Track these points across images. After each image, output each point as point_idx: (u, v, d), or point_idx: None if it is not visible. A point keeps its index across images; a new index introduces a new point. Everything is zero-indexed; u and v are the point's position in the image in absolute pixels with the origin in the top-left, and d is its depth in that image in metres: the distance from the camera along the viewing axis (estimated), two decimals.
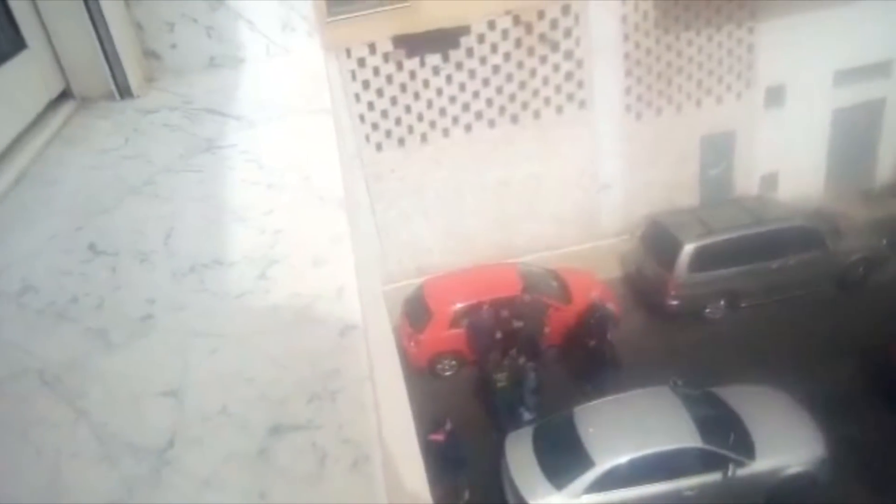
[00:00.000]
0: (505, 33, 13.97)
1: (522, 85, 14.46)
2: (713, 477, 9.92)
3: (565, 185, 15.35)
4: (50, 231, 1.97)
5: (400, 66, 13.95)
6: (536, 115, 14.73)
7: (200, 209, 1.93)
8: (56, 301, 1.64)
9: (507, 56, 14.17)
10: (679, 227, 13.79)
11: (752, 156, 15.91)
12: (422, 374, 12.70)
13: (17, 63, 2.56)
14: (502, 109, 14.60)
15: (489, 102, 14.51)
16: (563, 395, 11.81)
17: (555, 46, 14.21)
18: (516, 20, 13.88)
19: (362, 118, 14.15)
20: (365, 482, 1.07)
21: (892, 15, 14.78)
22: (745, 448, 10.09)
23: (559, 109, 14.78)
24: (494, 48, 14.07)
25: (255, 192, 2.00)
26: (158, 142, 2.43)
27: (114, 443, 1.22)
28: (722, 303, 13.57)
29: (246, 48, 3.08)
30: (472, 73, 14.22)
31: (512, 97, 14.53)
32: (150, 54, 3.07)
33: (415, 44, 13.75)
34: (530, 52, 14.21)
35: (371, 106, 14.13)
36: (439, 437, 10.23)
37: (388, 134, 14.41)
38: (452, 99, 14.37)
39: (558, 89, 14.62)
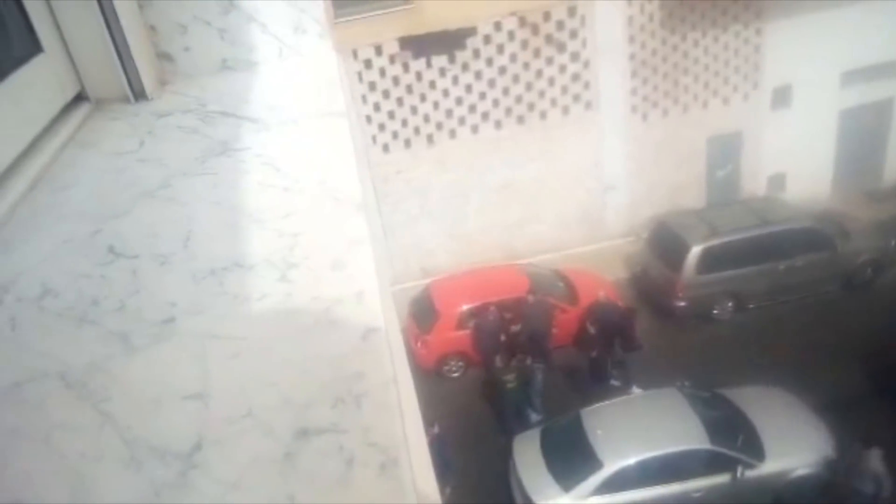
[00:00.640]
0: (511, 34, 13.96)
1: (528, 86, 14.45)
2: (721, 478, 9.88)
3: (571, 186, 15.32)
4: (67, 234, 1.97)
5: (406, 68, 13.96)
6: (543, 115, 14.72)
7: (218, 212, 1.94)
8: (76, 304, 1.65)
9: (513, 57, 14.15)
10: (686, 229, 13.76)
11: (759, 157, 15.85)
12: (429, 376, 12.70)
13: (33, 67, 2.57)
14: (508, 110, 14.59)
15: (495, 103, 14.49)
16: (571, 396, 11.79)
17: (561, 47, 14.19)
18: (522, 21, 13.87)
19: (369, 119, 14.15)
20: (394, 485, 1.07)
21: None
22: (754, 449, 10.05)
23: (565, 110, 14.76)
24: (500, 49, 14.06)
25: (272, 195, 2.00)
26: (173, 145, 2.44)
27: (139, 446, 1.22)
28: (729, 304, 13.52)
29: (258, 51, 3.08)
30: (478, 75, 14.21)
31: (518, 98, 14.51)
32: (163, 57, 3.07)
33: (421, 45, 13.76)
34: (536, 53, 14.19)
35: (377, 107, 14.13)
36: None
37: (395, 135, 14.42)
38: (459, 100, 14.36)
39: (564, 90, 14.59)
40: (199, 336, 1.47)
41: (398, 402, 1.23)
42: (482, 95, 14.39)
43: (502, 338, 12.43)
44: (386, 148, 14.44)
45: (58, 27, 2.80)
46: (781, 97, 15.28)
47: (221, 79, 3.01)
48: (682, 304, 13.20)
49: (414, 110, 14.28)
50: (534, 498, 10.01)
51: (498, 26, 13.84)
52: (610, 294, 13.14)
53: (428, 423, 10.22)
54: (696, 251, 13.14)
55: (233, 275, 1.66)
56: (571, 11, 13.92)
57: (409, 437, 1.24)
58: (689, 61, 14.83)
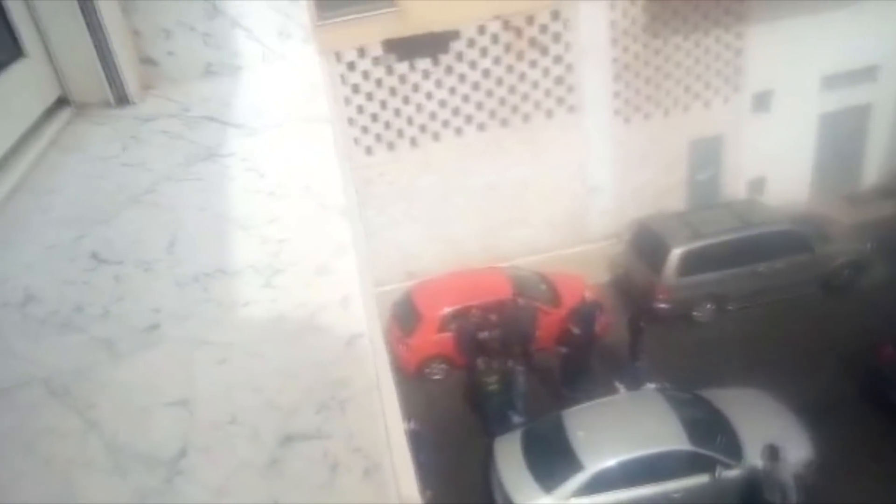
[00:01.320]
0: (495, 38, 14.01)
1: (512, 89, 14.51)
2: (701, 479, 9.98)
3: (554, 188, 15.39)
4: (50, 240, 1.97)
5: (390, 70, 13.96)
6: (526, 118, 14.78)
7: (203, 218, 1.94)
8: (60, 310, 1.65)
9: (497, 60, 14.21)
10: (667, 231, 13.89)
11: (740, 160, 16.02)
12: (411, 378, 12.71)
13: (15, 70, 2.56)
14: (492, 113, 14.64)
15: (479, 106, 14.54)
16: (553, 398, 11.86)
17: (544, 51, 14.27)
18: (506, 24, 13.92)
19: (352, 122, 14.15)
20: (377, 491, 1.09)
21: (879, 20, 14.93)
22: (733, 450, 10.16)
23: (549, 113, 14.83)
24: (484, 52, 14.11)
25: (257, 200, 2.01)
26: (158, 149, 2.44)
27: (124, 453, 1.23)
28: (710, 306, 13.66)
29: (243, 55, 3.08)
30: (462, 77, 14.25)
31: (502, 101, 14.57)
32: (147, 61, 3.07)
33: (404, 48, 13.77)
34: (520, 56, 14.25)
35: (360, 110, 14.13)
36: None
37: (378, 138, 14.42)
38: (442, 103, 14.39)
39: (548, 93, 14.67)
40: (185, 342, 1.48)
41: (381, 407, 1.25)
42: (466, 98, 14.43)
43: (488, 338, 12.46)
44: (369, 150, 14.44)
45: (40, 30, 2.79)
46: (762, 101, 15.46)
47: (205, 83, 3.01)
48: (664, 305, 13.30)
49: (397, 113, 14.30)
50: (515, 499, 10.08)
51: (482, 29, 13.89)
52: (591, 296, 13.24)
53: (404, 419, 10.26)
54: (677, 253, 13.28)
55: (218, 281, 1.67)
56: (555, 15, 14.00)
57: (392, 441, 1.26)
58: (671, 65, 14.96)
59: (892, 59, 15.62)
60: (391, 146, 14.52)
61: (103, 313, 1.62)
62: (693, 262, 13.28)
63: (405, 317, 13.27)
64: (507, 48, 14.15)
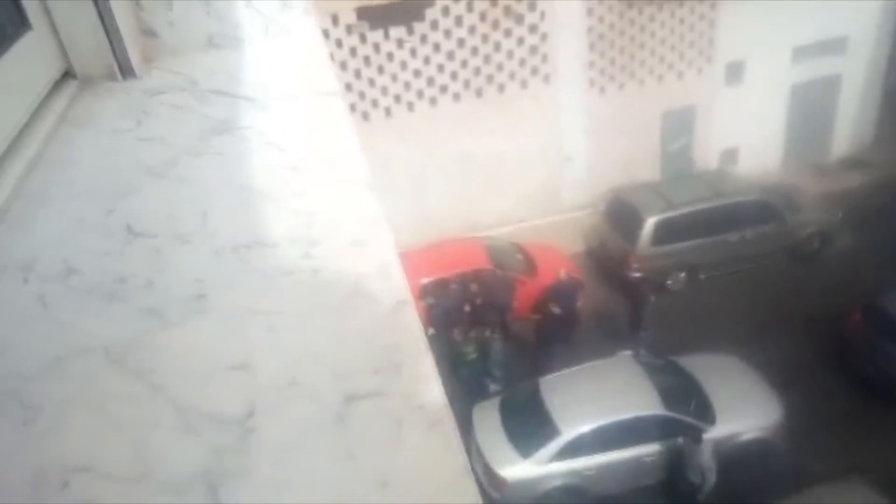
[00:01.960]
0: (470, 5, 13.94)
1: (487, 59, 14.48)
2: (674, 443, 10.27)
3: (529, 159, 15.46)
4: (79, 213, 2.01)
5: (363, 39, 13.84)
6: (501, 89, 14.79)
7: (230, 191, 1.99)
8: (103, 282, 1.70)
9: (471, 29, 14.15)
10: (641, 201, 14.07)
11: (713, 131, 16.22)
12: None
13: (23, 44, 2.56)
14: (467, 83, 14.61)
15: (454, 76, 14.51)
16: (530, 365, 12.04)
17: (519, 19, 14.24)
18: None
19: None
20: (443, 441, 1.17)
21: None
22: (705, 414, 10.45)
23: (524, 84, 14.85)
24: (459, 21, 14.03)
25: (281, 174, 2.07)
26: (171, 123, 2.47)
27: (194, 414, 1.30)
28: (682, 275, 13.91)
29: (244, 27, 3.10)
30: (436, 47, 14.18)
31: (477, 71, 14.54)
32: (148, 33, 3.07)
33: (378, 15, 13.63)
34: (495, 25, 14.20)
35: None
36: None
37: (352, 108, 14.32)
38: (417, 73, 14.33)
39: (523, 63, 14.67)
40: (234, 310, 1.55)
41: (433, 369, 1.34)
42: (440, 68, 14.37)
43: (467, 309, 12.57)
44: None
45: (44, 3, 2.78)
46: (734, 72, 15.63)
47: (208, 56, 3.02)
48: (637, 275, 13.52)
49: (371, 83, 14.20)
50: (493, 465, 10.25)
51: None
52: (568, 268, 13.40)
53: None
54: (650, 223, 13.48)
55: (256, 252, 1.73)
56: None
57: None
58: (645, 35, 15.03)
59: (861, 30, 15.88)
60: (365, 116, 14.43)
61: (147, 284, 1.67)
62: (666, 232, 13.50)
63: None
64: (483, 17, 14.09)
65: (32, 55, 2.65)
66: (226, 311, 1.55)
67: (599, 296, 13.36)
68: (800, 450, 10.42)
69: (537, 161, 15.53)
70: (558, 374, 11.20)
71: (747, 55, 15.43)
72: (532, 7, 14.19)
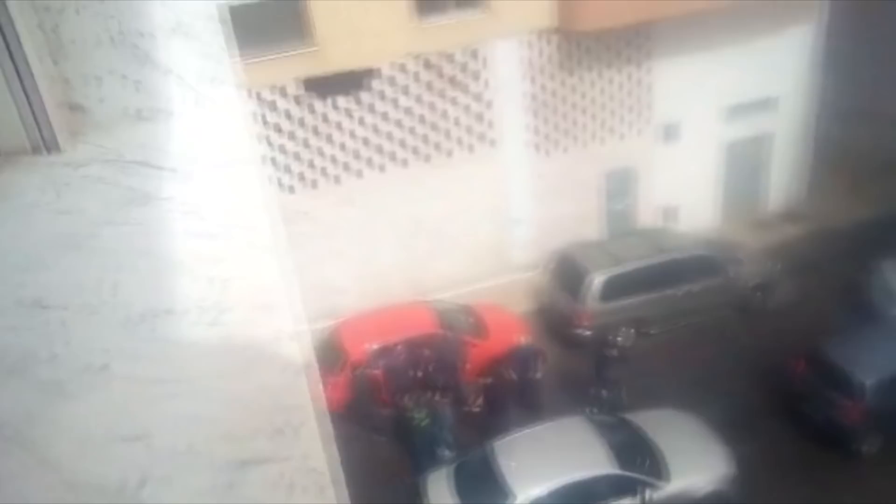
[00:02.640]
0: (415, 75, 14.29)
1: (434, 126, 14.78)
2: (629, 501, 10.21)
3: (478, 221, 15.68)
4: None
5: (311, 109, 14.03)
6: (449, 154, 15.07)
7: (146, 261, 2.00)
8: (5, 358, 1.67)
9: (417, 98, 14.47)
10: (587, 259, 14.31)
11: (653, 189, 16.71)
12: (337, 417, 12.52)
13: None
14: (415, 150, 14.86)
15: (402, 143, 14.74)
16: (485, 429, 11.91)
17: (464, 88, 14.62)
18: (426, 63, 14.23)
19: (274, 161, 14.10)
20: None
21: (775, 54, 15.98)
22: (659, 471, 10.45)
23: (471, 149, 15.16)
24: (405, 90, 14.35)
25: (198, 242, 2.08)
26: (93, 195, 2.46)
27: (86, 489, 1.28)
28: (632, 331, 14.07)
29: (173, 101, 3.13)
30: (384, 115, 14.44)
31: (424, 138, 14.82)
32: (76, 108, 3.08)
33: (325, 86, 13.86)
34: (441, 94, 14.56)
35: (283, 149, 14.11)
36: None
37: (301, 176, 14.41)
38: (365, 140, 14.52)
39: (469, 130, 15.01)
40: (135, 380, 1.54)
41: (331, 430, 1.34)
42: (389, 135, 14.60)
43: (416, 374, 12.45)
44: (292, 189, 14.40)
45: None
46: (671, 132, 16.22)
47: (137, 129, 3.03)
48: (587, 332, 13.65)
49: (320, 151, 14.34)
50: None
51: (403, 68, 14.14)
52: (519, 328, 13.45)
53: None
54: (597, 280, 13.68)
55: (165, 320, 1.73)
56: (473, 54, 14.40)
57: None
58: (586, 101, 15.56)
59: (790, 89, 16.70)
60: (314, 184, 14.52)
61: (51, 357, 1.66)
62: (612, 289, 13.70)
63: (331, 355, 13.12)
64: (429, 86, 14.44)
65: None
66: (127, 381, 1.54)
67: (550, 355, 13.38)
68: (754, 501, 10.47)
69: (485, 223, 15.76)
70: (510, 436, 11.11)
71: (683, 116, 16.07)
72: (476, 76, 14.60)
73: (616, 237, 15.83)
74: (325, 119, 14.11)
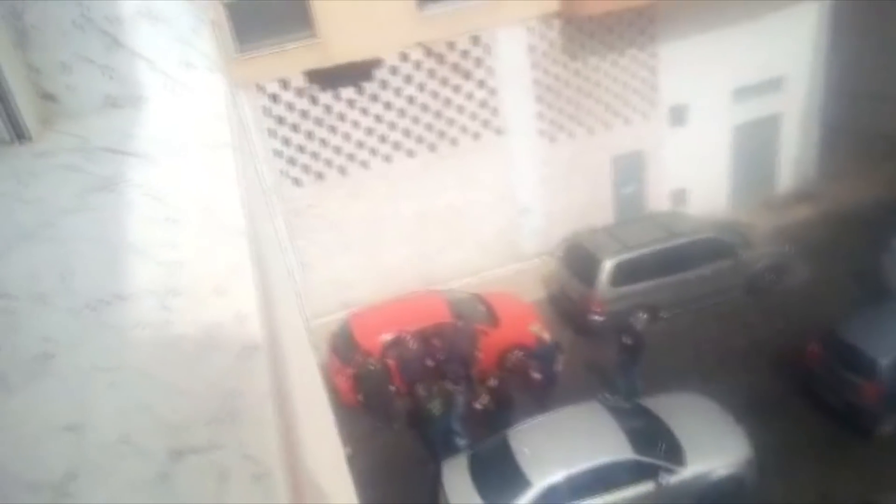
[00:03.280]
0: (418, 64, 14.18)
1: (438, 114, 14.68)
2: (646, 486, 10.13)
3: (486, 210, 15.59)
4: None
5: (314, 101, 13.98)
6: (454, 143, 14.97)
7: (99, 247, 1.92)
8: None
9: (421, 86, 14.37)
10: (597, 245, 14.17)
11: (661, 173, 16.53)
12: (353, 409, 12.55)
13: None
14: (420, 139, 14.77)
15: (406, 133, 14.66)
16: (501, 421, 11.82)
17: (467, 75, 14.50)
18: (428, 52, 14.12)
19: (278, 154, 14.07)
20: (265, 494, 1.09)
21: (781, 34, 15.72)
22: (675, 455, 10.34)
23: (476, 136, 15.05)
24: (408, 79, 14.25)
25: (156, 226, 2.00)
26: (55, 183, 2.40)
27: (13, 483, 1.20)
28: (644, 315, 13.91)
29: (145, 87, 3.07)
30: (387, 105, 14.35)
31: (429, 126, 14.72)
32: (46, 97, 3.02)
33: (328, 77, 13.80)
34: (444, 82, 14.45)
35: (287, 141, 14.07)
36: None
37: (306, 169, 14.37)
38: (369, 131, 14.46)
39: (474, 117, 14.89)
40: (78, 369, 1.47)
41: (276, 415, 1.26)
42: (392, 125, 14.52)
43: (429, 363, 12.42)
44: (298, 182, 14.37)
45: None
46: (678, 116, 16.01)
47: (107, 116, 2.97)
48: (599, 318, 13.53)
49: (324, 143, 14.29)
50: None
51: (405, 57, 14.05)
52: (531, 316, 13.35)
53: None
54: (608, 265, 13.54)
55: (112, 307, 1.65)
56: (475, 41, 14.27)
57: (290, 449, 1.27)
58: (591, 85, 15.38)
59: (797, 69, 16.44)
60: (320, 176, 14.48)
61: None
62: (624, 274, 13.57)
63: (344, 347, 13.14)
64: (431, 74, 14.33)
65: None
66: (70, 371, 1.46)
67: (563, 342, 13.27)
68: (772, 484, 10.35)
69: (493, 211, 15.66)
70: (526, 424, 11.06)
71: (690, 99, 15.86)
72: (479, 63, 14.48)
73: (626, 222, 15.68)
74: (329, 110, 14.08)
